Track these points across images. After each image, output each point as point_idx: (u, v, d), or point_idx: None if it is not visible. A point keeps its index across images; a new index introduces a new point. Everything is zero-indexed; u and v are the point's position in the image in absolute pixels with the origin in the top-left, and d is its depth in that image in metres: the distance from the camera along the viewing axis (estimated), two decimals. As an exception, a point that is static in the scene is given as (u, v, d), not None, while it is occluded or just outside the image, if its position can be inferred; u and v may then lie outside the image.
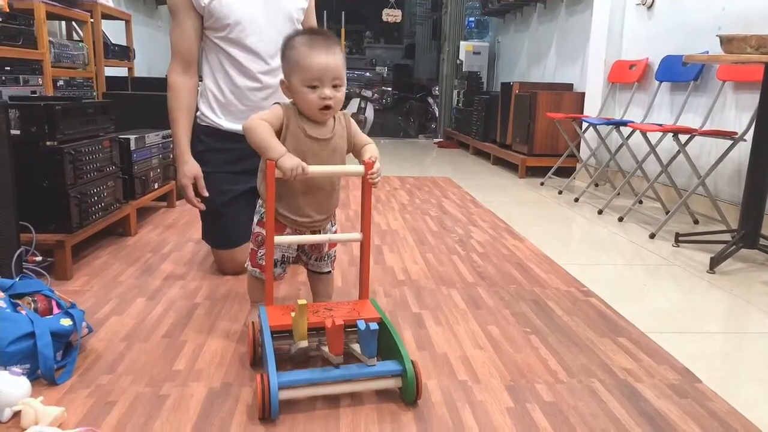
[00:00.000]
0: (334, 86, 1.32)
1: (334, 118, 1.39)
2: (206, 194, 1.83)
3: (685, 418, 1.18)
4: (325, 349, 1.24)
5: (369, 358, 1.20)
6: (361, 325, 1.17)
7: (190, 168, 1.82)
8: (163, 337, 1.49)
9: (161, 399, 1.20)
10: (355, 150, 1.44)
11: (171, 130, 1.87)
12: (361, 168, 1.34)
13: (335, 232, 1.52)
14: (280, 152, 1.27)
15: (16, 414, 1.10)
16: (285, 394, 1.14)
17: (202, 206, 1.85)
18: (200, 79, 1.94)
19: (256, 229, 1.46)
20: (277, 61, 1.86)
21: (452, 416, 1.16)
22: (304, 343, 1.20)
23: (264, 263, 1.39)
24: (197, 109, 1.94)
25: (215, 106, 1.91)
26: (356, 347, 1.28)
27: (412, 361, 1.18)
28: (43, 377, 1.23)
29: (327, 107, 1.31)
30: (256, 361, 1.32)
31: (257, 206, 1.47)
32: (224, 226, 1.92)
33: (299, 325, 1.20)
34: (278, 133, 1.33)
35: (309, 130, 1.35)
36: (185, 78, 1.86)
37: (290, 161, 1.26)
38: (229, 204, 1.90)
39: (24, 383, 1.15)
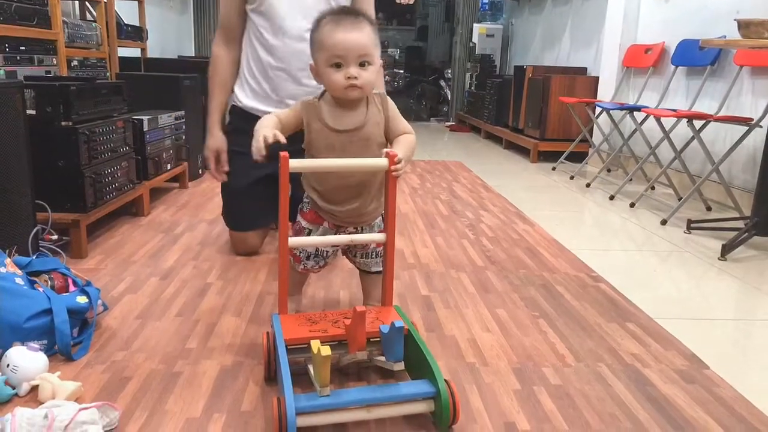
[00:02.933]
0: (362, 65, 1.21)
1: (368, 101, 1.28)
2: (226, 169, 1.85)
3: (692, 403, 1.19)
4: (347, 359, 1.14)
5: (395, 363, 1.06)
6: (384, 329, 1.05)
7: (215, 141, 1.85)
8: (176, 315, 1.51)
9: (174, 376, 1.22)
10: (388, 135, 1.30)
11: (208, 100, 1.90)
12: (383, 162, 1.19)
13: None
14: (263, 123, 1.22)
15: (34, 388, 1.12)
16: (303, 421, 1.00)
17: (224, 178, 1.87)
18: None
19: (297, 217, 1.39)
20: (303, 44, 1.73)
21: (460, 398, 1.18)
22: (327, 391, 1.04)
23: (300, 254, 1.34)
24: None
25: (243, 82, 1.90)
26: (381, 359, 1.16)
27: (446, 381, 1.05)
28: (60, 353, 1.26)
29: (353, 86, 1.21)
30: (271, 375, 1.20)
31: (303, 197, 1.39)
32: (242, 208, 1.92)
33: (321, 373, 1.02)
34: (298, 130, 1.27)
35: (333, 123, 1.25)
36: (226, 50, 1.88)
37: (257, 134, 1.19)
38: (252, 187, 1.86)
39: (41, 358, 1.17)
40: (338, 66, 1.21)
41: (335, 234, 1.37)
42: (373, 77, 1.23)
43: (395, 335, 1.03)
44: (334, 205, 1.32)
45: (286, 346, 1.11)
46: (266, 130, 1.19)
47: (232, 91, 1.93)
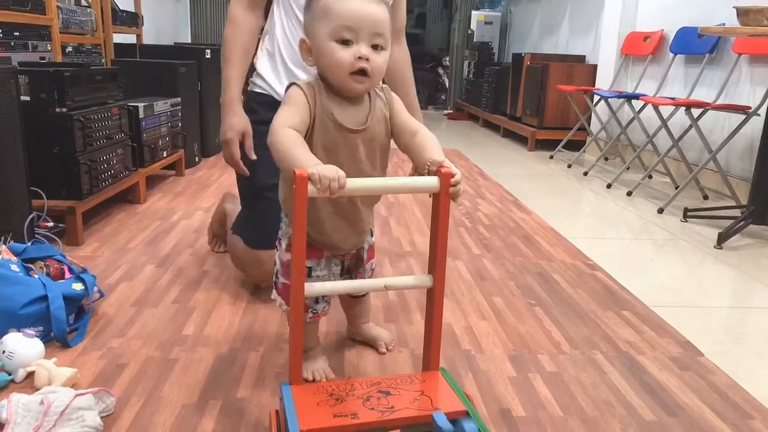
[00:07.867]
0: (374, 46, 0.97)
1: (370, 93, 1.04)
2: (254, 156, 1.45)
3: (686, 389, 1.19)
4: None
5: None
6: (441, 421, 0.80)
7: (239, 120, 1.44)
8: (172, 302, 1.51)
9: (170, 362, 1.22)
10: (397, 135, 1.05)
11: (223, 71, 1.50)
12: (433, 181, 0.93)
13: (372, 244, 1.20)
14: (312, 162, 0.89)
15: (30, 374, 1.13)
16: None
17: (246, 171, 1.47)
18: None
19: (286, 256, 1.10)
20: None
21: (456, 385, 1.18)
22: None
23: (307, 300, 1.06)
24: (253, 70, 1.57)
25: (281, 64, 1.51)
26: None
27: None
28: (56, 339, 1.26)
29: (362, 71, 0.96)
30: None
31: (282, 226, 1.13)
32: (262, 216, 1.49)
33: None
34: (310, 127, 0.99)
35: (339, 116, 0.99)
36: (250, 15, 1.50)
37: (327, 170, 0.86)
38: (276, 188, 1.49)
39: (37, 345, 1.18)
40: (346, 42, 0.96)
41: (342, 263, 1.15)
42: (384, 64, 0.99)
43: None
44: (328, 235, 1.09)
45: None
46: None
47: (257, 77, 1.57)
